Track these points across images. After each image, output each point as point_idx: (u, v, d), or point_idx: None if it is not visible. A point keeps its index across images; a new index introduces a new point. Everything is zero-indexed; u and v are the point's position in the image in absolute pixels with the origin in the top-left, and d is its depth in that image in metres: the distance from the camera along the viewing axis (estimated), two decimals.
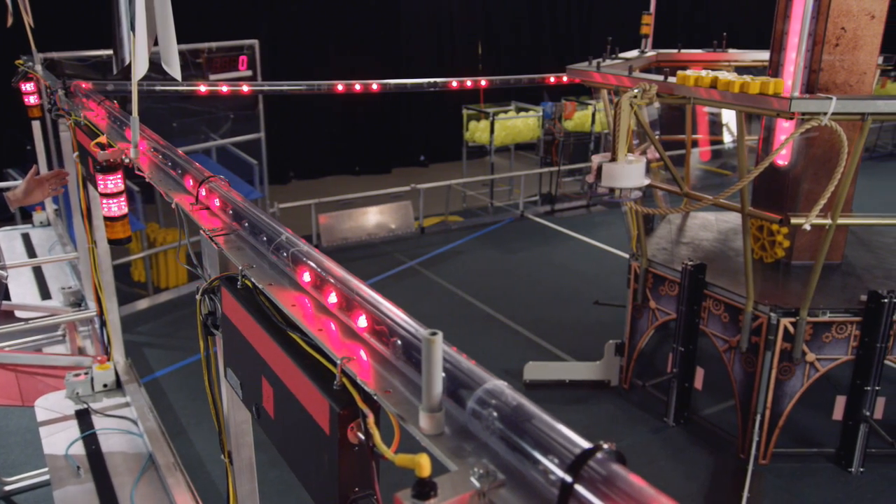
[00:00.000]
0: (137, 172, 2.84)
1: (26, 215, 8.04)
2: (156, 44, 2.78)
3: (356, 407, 1.31)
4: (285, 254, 1.73)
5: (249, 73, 8.86)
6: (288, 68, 12.90)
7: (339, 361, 1.36)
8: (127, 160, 2.97)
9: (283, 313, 1.63)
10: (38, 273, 5.82)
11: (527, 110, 12.25)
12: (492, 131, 11.39)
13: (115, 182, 2.98)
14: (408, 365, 1.30)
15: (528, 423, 1.04)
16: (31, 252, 6.18)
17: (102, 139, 2.98)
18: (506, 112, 12.12)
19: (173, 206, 2.34)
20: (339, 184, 13.49)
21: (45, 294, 5.52)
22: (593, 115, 11.83)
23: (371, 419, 1.22)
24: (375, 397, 1.25)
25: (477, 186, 12.28)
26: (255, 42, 8.95)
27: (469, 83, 7.62)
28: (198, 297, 2.03)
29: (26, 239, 6.49)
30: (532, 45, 16.42)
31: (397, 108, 14.71)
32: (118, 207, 3.02)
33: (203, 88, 6.78)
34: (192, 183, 2.36)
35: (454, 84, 7.51)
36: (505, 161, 12.97)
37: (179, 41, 2.74)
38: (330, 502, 1.37)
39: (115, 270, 4.37)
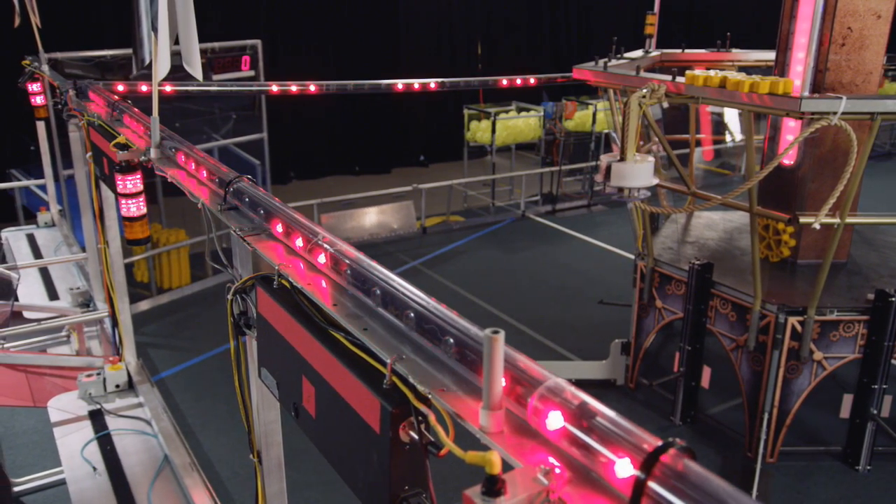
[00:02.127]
0: (157, 173, 2.84)
1: (30, 216, 8.03)
2: (175, 43, 2.78)
3: (408, 406, 1.31)
4: (323, 254, 1.73)
5: (252, 73, 8.85)
6: (287, 68, 12.89)
7: (388, 361, 1.37)
8: (146, 160, 2.97)
9: (324, 313, 1.63)
10: (44, 274, 5.81)
11: (528, 110, 12.27)
12: (493, 131, 11.39)
13: (133, 182, 2.98)
14: (461, 364, 1.30)
15: (593, 421, 1.05)
16: (37, 253, 6.16)
17: (122, 139, 2.98)
18: (507, 112, 12.13)
19: (199, 206, 2.34)
20: (339, 184, 13.49)
21: (52, 295, 5.51)
22: (594, 114, 11.85)
23: (433, 417, 1.22)
24: (430, 396, 1.26)
25: (477, 186, 12.29)
26: (257, 42, 8.94)
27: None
28: (229, 297, 2.03)
29: (31, 240, 6.48)
30: (530, 44, 16.44)
31: (397, 108, 14.70)
32: (137, 207, 3.02)
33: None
34: (218, 183, 2.36)
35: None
36: (505, 161, 12.99)
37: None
38: (379, 500, 1.38)
39: None
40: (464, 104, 12.27)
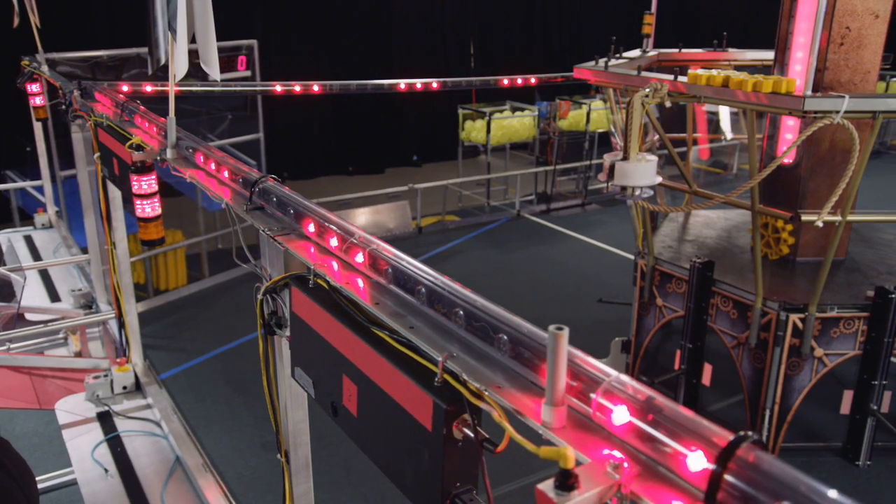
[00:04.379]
0: (174, 173, 2.83)
1: (26, 217, 7.97)
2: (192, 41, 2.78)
3: (461, 402, 1.32)
4: (361, 252, 1.74)
5: (248, 73, 8.82)
6: (284, 68, 12.86)
7: (439, 358, 1.37)
8: (161, 160, 2.96)
9: (365, 311, 1.64)
10: (44, 275, 5.77)
11: (522, 110, 12.29)
12: (488, 131, 11.41)
13: (148, 183, 2.97)
14: (514, 361, 1.31)
15: (660, 415, 1.06)
16: (36, 254, 6.12)
17: (136, 139, 2.97)
18: (501, 112, 12.15)
19: (223, 205, 2.33)
20: (333, 184, 13.47)
21: (53, 296, 5.48)
22: (588, 114, 11.89)
23: (496, 414, 1.23)
24: (487, 393, 1.27)
25: (472, 186, 12.30)
26: (253, 42, 8.91)
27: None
28: (259, 297, 2.03)
29: (29, 241, 6.43)
30: (523, 43, 16.47)
31: (390, 108, 14.70)
32: (152, 208, 3.01)
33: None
34: (241, 183, 2.35)
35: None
36: (500, 161, 13.01)
37: None
38: (430, 498, 1.38)
39: None
40: (458, 104, 12.28)
